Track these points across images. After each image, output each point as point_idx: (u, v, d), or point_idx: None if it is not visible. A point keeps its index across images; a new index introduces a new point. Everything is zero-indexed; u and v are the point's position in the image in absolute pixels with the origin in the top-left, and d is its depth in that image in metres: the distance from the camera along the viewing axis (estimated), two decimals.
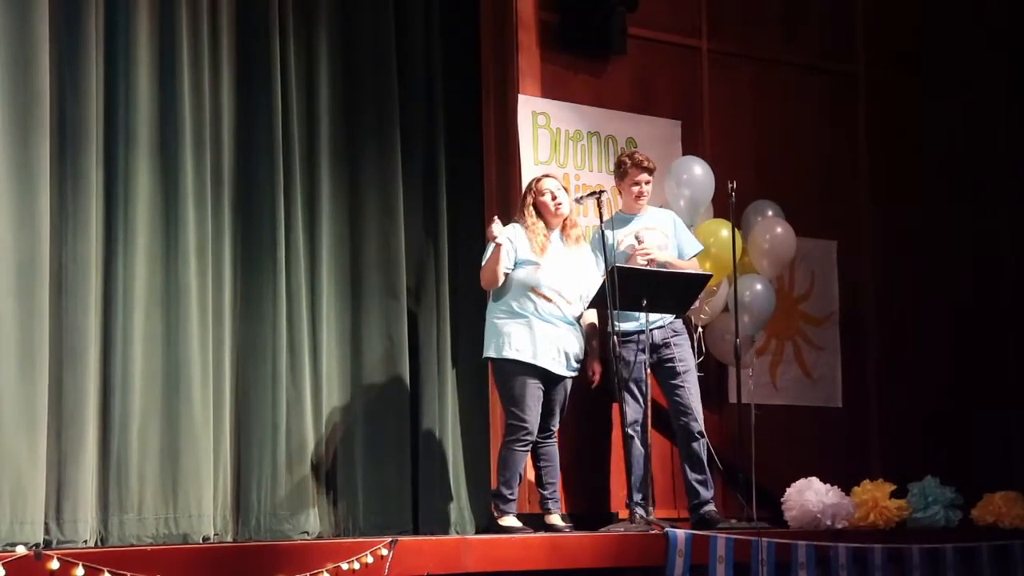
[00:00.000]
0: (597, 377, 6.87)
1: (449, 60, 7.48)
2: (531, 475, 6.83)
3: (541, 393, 6.55)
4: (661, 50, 7.92)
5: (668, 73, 7.94)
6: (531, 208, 6.67)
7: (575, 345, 6.64)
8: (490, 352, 6.61)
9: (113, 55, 6.42)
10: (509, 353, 6.52)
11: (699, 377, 7.32)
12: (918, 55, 8.83)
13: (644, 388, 6.81)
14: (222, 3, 6.74)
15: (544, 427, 6.63)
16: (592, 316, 6.86)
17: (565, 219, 6.73)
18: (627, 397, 6.69)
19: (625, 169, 7.01)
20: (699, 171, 7.49)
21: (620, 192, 7.11)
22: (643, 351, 6.74)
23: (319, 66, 7.03)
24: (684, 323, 7.12)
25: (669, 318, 6.91)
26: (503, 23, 7.45)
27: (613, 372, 6.67)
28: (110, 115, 6.40)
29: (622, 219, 7.02)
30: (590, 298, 6.64)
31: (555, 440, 6.73)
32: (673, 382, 6.90)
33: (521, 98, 7.37)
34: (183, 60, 6.54)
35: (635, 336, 6.76)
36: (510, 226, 6.68)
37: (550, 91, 7.47)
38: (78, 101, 6.24)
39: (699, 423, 6.92)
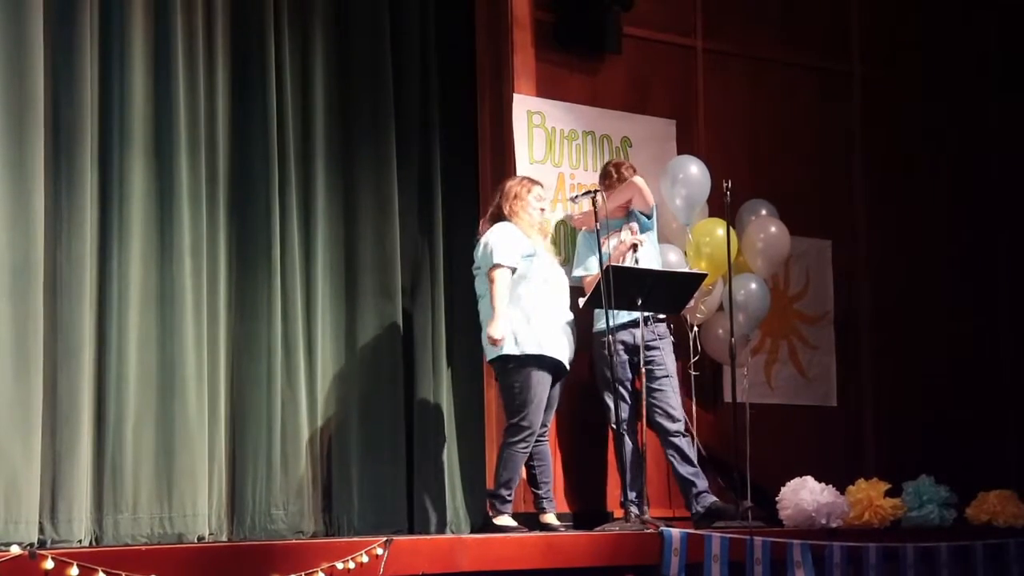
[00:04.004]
0: None
1: (444, 59, 7.47)
2: (526, 475, 6.84)
3: (548, 392, 6.56)
4: (656, 49, 7.93)
5: (663, 72, 7.94)
6: (524, 209, 6.67)
7: (572, 337, 6.67)
8: (501, 351, 6.55)
9: (108, 55, 6.41)
10: (527, 348, 6.50)
11: (694, 376, 7.35)
12: (913, 54, 8.84)
13: (630, 388, 6.84)
14: (217, 4, 6.73)
15: (543, 422, 6.64)
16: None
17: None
18: (616, 397, 6.71)
19: (611, 182, 7.03)
20: (695, 170, 7.49)
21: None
22: (627, 352, 6.80)
23: (314, 65, 7.02)
24: (669, 326, 7.11)
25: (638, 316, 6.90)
26: (498, 22, 7.45)
27: (603, 372, 6.68)
28: (105, 115, 6.39)
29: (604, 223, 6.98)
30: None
31: (548, 439, 6.73)
32: (651, 385, 6.88)
33: (516, 97, 7.37)
34: (178, 60, 6.53)
35: (618, 335, 6.77)
36: (500, 226, 6.65)
37: (545, 90, 7.47)
38: (72, 101, 6.23)
39: (676, 424, 6.91)
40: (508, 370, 6.56)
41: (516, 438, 6.52)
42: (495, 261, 6.54)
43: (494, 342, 6.46)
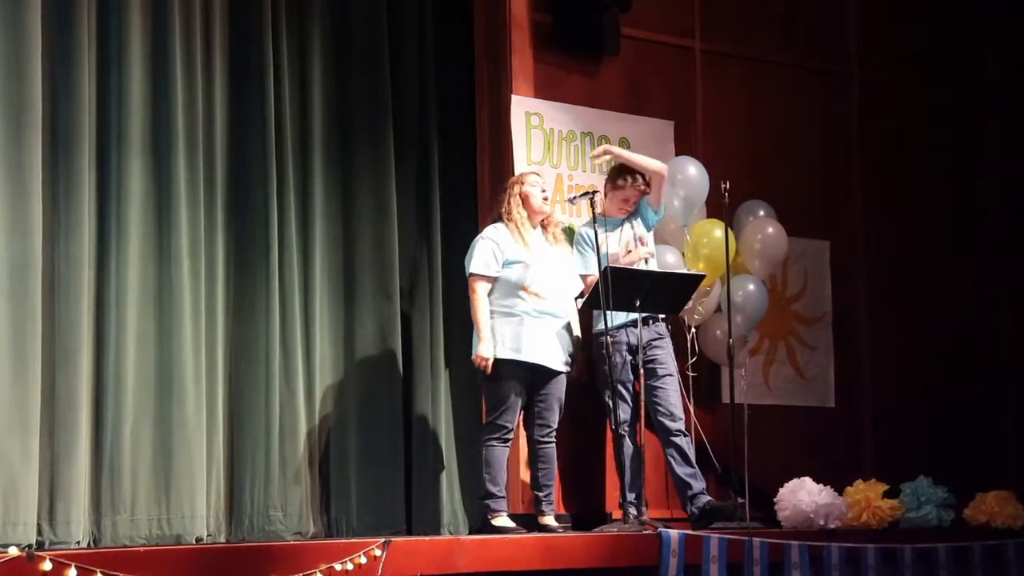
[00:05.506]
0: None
1: (442, 60, 7.47)
2: (526, 476, 6.83)
3: (525, 395, 6.55)
4: (654, 50, 7.92)
5: (661, 73, 7.94)
6: (517, 206, 6.65)
7: (567, 341, 6.65)
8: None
9: (106, 56, 6.42)
10: (502, 353, 6.50)
11: (692, 377, 7.35)
12: (911, 54, 8.84)
13: (631, 388, 6.84)
14: (215, 4, 6.73)
15: (545, 423, 6.62)
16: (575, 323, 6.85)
17: (545, 217, 6.75)
18: (616, 398, 6.71)
19: (621, 185, 7.00)
20: (693, 171, 7.49)
21: (606, 195, 7.08)
22: (629, 352, 6.79)
23: (312, 67, 7.02)
24: (669, 326, 7.10)
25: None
26: (496, 23, 7.45)
27: (603, 372, 6.68)
28: (103, 116, 6.39)
29: (602, 222, 6.94)
30: (574, 294, 6.66)
31: (554, 441, 6.71)
32: (652, 383, 6.88)
33: (514, 98, 7.37)
34: (176, 61, 6.53)
35: (619, 335, 6.76)
36: (490, 230, 6.64)
37: (543, 91, 7.47)
38: (70, 102, 6.23)
39: (677, 423, 6.90)
40: (490, 371, 6.56)
41: (494, 435, 6.52)
42: (471, 271, 6.55)
43: (483, 365, 6.44)
